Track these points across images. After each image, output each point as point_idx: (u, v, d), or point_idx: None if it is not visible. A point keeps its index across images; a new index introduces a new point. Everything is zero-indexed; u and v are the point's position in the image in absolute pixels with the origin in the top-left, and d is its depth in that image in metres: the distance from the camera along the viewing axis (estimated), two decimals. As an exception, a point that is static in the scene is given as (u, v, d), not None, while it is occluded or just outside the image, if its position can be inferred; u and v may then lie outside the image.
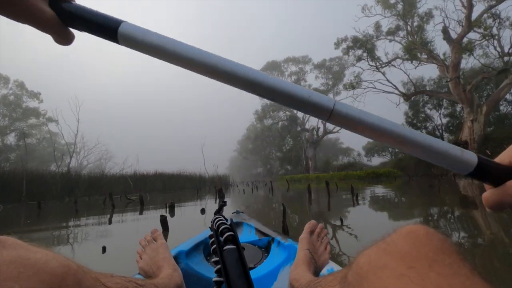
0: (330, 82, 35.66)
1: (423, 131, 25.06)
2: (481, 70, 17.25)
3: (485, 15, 14.15)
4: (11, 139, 29.18)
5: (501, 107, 20.02)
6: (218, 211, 1.02)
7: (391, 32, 20.52)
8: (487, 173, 0.34)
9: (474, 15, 14.25)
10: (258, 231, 1.33)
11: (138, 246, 0.94)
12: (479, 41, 15.21)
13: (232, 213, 1.70)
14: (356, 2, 22.30)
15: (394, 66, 17.51)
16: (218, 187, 6.16)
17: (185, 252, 1.04)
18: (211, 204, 6.17)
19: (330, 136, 41.50)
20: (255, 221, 1.46)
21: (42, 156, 37.46)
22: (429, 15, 18.83)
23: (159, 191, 12.77)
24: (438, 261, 0.30)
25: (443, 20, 15.84)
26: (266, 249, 1.19)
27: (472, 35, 15.13)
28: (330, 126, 35.42)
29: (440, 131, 23.33)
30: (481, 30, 14.56)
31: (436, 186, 7.31)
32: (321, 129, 35.53)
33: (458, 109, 23.02)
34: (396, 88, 16.80)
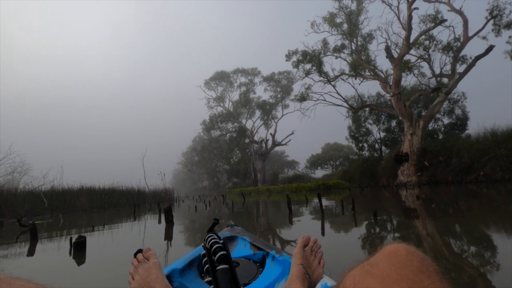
0: (279, 95, 36.20)
1: (365, 144, 26.73)
2: (417, 88, 18.96)
3: (422, 37, 15.55)
4: None
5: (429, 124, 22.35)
6: (211, 229, 1.03)
7: (337, 50, 21.51)
8: None
9: (413, 37, 15.53)
10: (253, 245, 1.29)
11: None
12: (415, 61, 16.65)
13: (226, 226, 1.54)
14: (305, 18, 22.98)
15: (343, 80, 18.05)
16: (166, 204, 4.66)
17: (178, 270, 1.01)
18: (153, 228, 4.63)
19: (276, 149, 41.96)
20: (250, 235, 1.40)
21: None
22: (370, 36, 20.26)
23: (84, 210, 10.28)
24: (417, 282, 0.32)
25: (386, 40, 16.97)
26: (261, 263, 1.16)
27: (411, 55, 16.49)
28: (278, 138, 35.74)
29: (379, 144, 25.01)
30: (420, 51, 15.95)
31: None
32: (270, 141, 35.51)
33: (393, 124, 25.16)
34: (345, 101, 17.27)
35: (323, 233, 3.08)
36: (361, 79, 19.40)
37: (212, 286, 0.66)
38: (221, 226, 3.09)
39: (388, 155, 20.52)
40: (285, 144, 35.07)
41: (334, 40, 23.26)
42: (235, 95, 38.73)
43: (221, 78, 38.21)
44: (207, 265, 0.72)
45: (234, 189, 31.81)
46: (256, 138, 36.84)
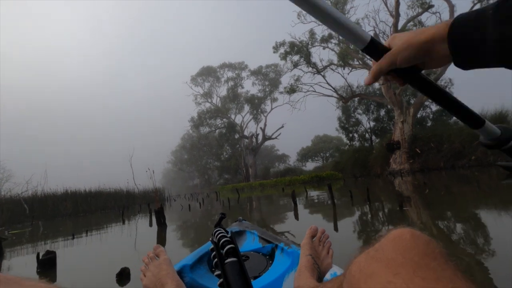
0: (267, 89, 35.78)
1: (355, 134, 26.78)
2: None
3: (409, 24, 15.45)
4: None
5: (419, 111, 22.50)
6: (218, 224, 1.02)
7: (325, 40, 21.26)
8: (375, 51, 0.46)
9: (401, 24, 15.41)
10: (262, 238, 1.29)
11: None
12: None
13: (235, 221, 1.53)
14: (292, 8, 22.62)
15: (333, 70, 17.84)
16: (157, 205, 4.16)
17: (189, 265, 1.02)
18: (144, 232, 4.23)
19: (266, 143, 41.69)
20: (258, 228, 1.40)
21: None
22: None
23: (69, 215, 9.65)
24: (423, 265, 0.32)
25: (374, 28, 16.81)
26: (270, 256, 1.17)
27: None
28: (268, 132, 35.45)
29: (369, 134, 25.08)
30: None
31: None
32: (260, 136, 35.17)
33: (382, 113, 25.26)
34: (336, 91, 17.07)
35: (335, 229, 2.78)
36: (350, 69, 19.27)
37: (221, 280, 0.67)
38: (225, 222, 2.72)
39: (379, 144, 20.57)
40: (276, 138, 34.84)
41: (322, 30, 23.00)
42: (222, 90, 38.14)
43: (207, 73, 37.45)
44: (216, 259, 0.74)
45: (226, 186, 31.43)
46: (246, 133, 36.44)
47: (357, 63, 18.96)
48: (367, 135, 25.52)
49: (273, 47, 21.20)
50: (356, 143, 26.47)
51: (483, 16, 0.37)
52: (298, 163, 46.40)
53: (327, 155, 48.12)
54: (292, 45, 20.20)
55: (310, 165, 45.46)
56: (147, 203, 15.02)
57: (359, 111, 25.53)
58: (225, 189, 25.86)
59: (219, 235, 0.84)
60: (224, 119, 37.15)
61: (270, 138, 35.19)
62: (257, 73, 36.32)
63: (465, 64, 0.41)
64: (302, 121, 61.78)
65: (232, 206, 7.19)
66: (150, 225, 4.79)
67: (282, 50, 20.83)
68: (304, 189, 9.41)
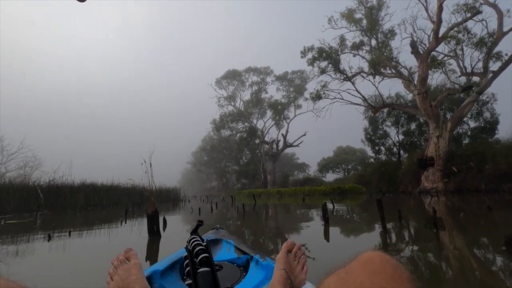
0: (292, 95, 35.09)
1: (382, 147, 25.30)
2: (441, 88, 17.60)
3: (452, 31, 14.24)
4: None
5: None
6: (195, 231, 1.01)
7: (356, 47, 20.33)
8: None
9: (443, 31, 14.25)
10: (237, 248, 1.26)
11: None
12: (443, 58, 15.31)
13: (212, 229, 1.51)
14: (322, 13, 21.96)
15: (363, 77, 16.87)
16: (151, 208, 3.31)
17: (160, 271, 0.97)
18: (134, 241, 3.67)
19: (286, 151, 40.71)
20: (235, 238, 1.37)
21: None
22: (392, 33, 19.01)
23: (80, 208, 9.46)
24: None
25: (411, 34, 15.73)
26: (244, 267, 1.15)
27: (437, 52, 15.18)
28: (290, 139, 34.61)
29: (397, 148, 23.57)
30: (451, 45, 14.62)
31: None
32: (281, 142, 34.41)
33: (412, 127, 23.69)
34: (365, 100, 16.06)
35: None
36: (381, 78, 18.17)
37: None
38: (207, 228, 2.15)
39: (408, 159, 19.16)
40: (297, 145, 33.93)
41: (353, 36, 22.08)
42: (246, 94, 37.91)
43: (232, 76, 37.42)
44: (189, 268, 0.72)
45: (243, 190, 30.88)
46: (266, 138, 35.85)
47: (389, 71, 17.85)
48: (395, 149, 24.01)
49: (301, 52, 20.56)
50: (382, 157, 24.99)
51: None
52: (318, 173, 44.95)
53: (349, 167, 46.41)
54: (320, 50, 19.44)
55: (330, 176, 43.98)
56: (160, 201, 14.79)
57: (388, 123, 24.10)
58: (241, 194, 25.28)
59: (194, 242, 0.81)
60: (246, 123, 36.84)
61: (291, 145, 34.33)
62: (282, 78, 35.79)
63: None
64: (324, 130, 60.35)
65: (247, 212, 6.58)
66: (148, 232, 4.01)
67: (310, 55, 20.14)
68: (324, 200, 8.61)
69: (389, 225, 3.60)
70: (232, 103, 37.75)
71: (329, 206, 7.21)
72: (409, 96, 19.82)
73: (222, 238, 1.39)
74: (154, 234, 3.40)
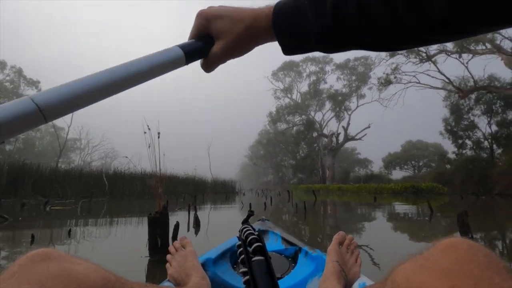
0: (354, 84, 32.32)
1: (467, 141, 21.32)
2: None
3: None
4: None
5: None
6: (246, 220, 1.01)
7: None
8: (192, 52, 0.39)
9: None
10: (285, 240, 1.27)
11: None
12: None
13: (258, 220, 1.51)
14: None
15: (447, 55, 14.09)
16: (158, 206, 2.21)
17: (212, 259, 1.01)
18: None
19: (346, 145, 37.83)
20: (281, 230, 1.36)
21: (45, 151, 35.60)
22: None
23: (135, 196, 9.75)
24: (485, 279, 0.28)
25: None
26: (293, 259, 1.14)
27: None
28: (351, 132, 32.02)
29: (489, 141, 19.52)
30: None
31: None
32: (342, 135, 32.04)
33: (510, 116, 19.30)
34: (451, 82, 13.34)
35: None
36: (471, 56, 14.97)
37: (247, 277, 0.66)
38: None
39: (506, 155, 15.58)
40: (359, 139, 31.14)
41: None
42: (303, 86, 36.36)
43: (289, 68, 36.21)
44: (242, 256, 0.74)
45: (300, 185, 29.76)
46: (325, 131, 33.84)
47: (481, 47, 14.58)
48: (485, 143, 19.94)
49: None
50: (468, 152, 21.06)
51: (302, 7, 0.38)
52: (384, 170, 41.01)
53: (420, 164, 41.33)
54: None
55: (397, 174, 39.74)
56: (215, 193, 14.73)
57: (476, 111, 20.08)
58: (298, 189, 24.24)
59: (247, 232, 0.83)
60: (303, 116, 35.41)
61: (353, 138, 31.68)
62: (343, 67, 33.20)
63: (290, 52, 0.42)
64: (391, 123, 54.58)
65: (308, 211, 5.63)
66: (174, 237, 3.07)
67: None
68: (396, 200, 7.12)
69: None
70: (289, 95, 36.65)
71: (401, 208, 5.81)
72: (508, 77, 16.03)
73: (268, 229, 1.38)
74: (156, 254, 2.24)
